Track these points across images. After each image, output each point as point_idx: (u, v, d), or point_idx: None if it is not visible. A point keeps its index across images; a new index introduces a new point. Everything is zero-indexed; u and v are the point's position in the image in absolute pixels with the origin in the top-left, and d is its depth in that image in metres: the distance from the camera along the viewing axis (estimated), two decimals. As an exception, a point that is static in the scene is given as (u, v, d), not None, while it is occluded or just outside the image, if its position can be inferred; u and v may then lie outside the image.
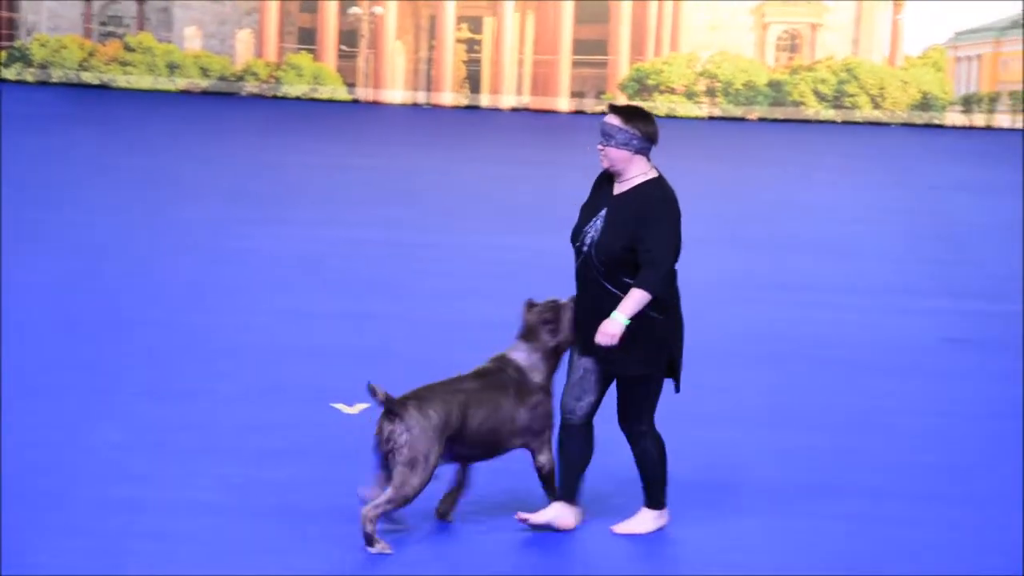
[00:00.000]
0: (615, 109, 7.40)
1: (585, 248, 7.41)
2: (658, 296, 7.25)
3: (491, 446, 7.39)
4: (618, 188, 7.43)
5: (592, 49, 21.51)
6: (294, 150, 18.02)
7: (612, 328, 7.23)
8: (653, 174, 7.38)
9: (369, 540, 7.02)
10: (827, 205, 16.53)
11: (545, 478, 7.44)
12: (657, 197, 7.34)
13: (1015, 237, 14.91)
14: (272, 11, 21.19)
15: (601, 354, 7.33)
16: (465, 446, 7.29)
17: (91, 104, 20.48)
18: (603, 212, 7.40)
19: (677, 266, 7.30)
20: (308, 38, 21.39)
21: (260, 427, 8.51)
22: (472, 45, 21.55)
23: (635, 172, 7.39)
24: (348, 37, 21.37)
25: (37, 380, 9.12)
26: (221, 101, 21.05)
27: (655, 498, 7.45)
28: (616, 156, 7.36)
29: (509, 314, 11.78)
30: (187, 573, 6.69)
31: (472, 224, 14.71)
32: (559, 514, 7.41)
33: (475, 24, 21.50)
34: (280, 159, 17.36)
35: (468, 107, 21.52)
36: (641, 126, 7.34)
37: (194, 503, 7.37)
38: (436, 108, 21.48)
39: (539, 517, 7.39)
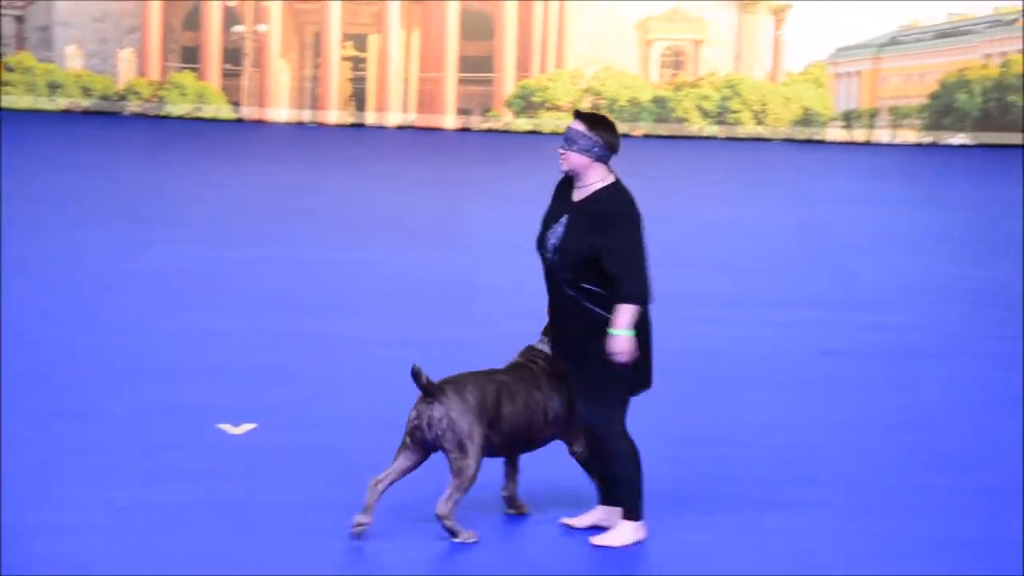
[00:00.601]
0: (580, 115, 7.49)
1: (549, 255, 7.50)
2: (641, 303, 7.34)
3: (526, 438, 7.54)
4: (577, 195, 7.51)
5: (478, 66, 21.58)
6: (181, 170, 17.91)
7: (617, 345, 7.34)
8: (611, 179, 7.46)
9: (453, 533, 7.27)
10: (709, 220, 16.67)
11: (585, 464, 7.61)
12: (616, 204, 7.41)
13: (893, 250, 15.13)
14: (154, 29, 21.10)
15: (571, 358, 7.43)
16: (501, 435, 7.44)
17: (-30, 124, 20.26)
18: (564, 219, 7.47)
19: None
20: (191, 56, 21.31)
21: (152, 448, 8.44)
22: (357, 63, 21.52)
23: (594, 178, 7.47)
24: (232, 55, 21.33)
25: (-79, 404, 9.00)
26: (104, 120, 20.88)
27: (631, 508, 7.47)
28: (576, 161, 7.44)
29: (406, 330, 11.87)
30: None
31: (364, 241, 14.71)
32: (604, 516, 7.54)
33: (360, 42, 21.50)
34: (167, 179, 17.24)
35: (354, 125, 21.49)
36: (604, 135, 7.42)
37: (80, 527, 7.29)
38: (322, 126, 21.44)
39: (583, 521, 7.57)
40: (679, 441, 9.04)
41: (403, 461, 7.37)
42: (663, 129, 21.57)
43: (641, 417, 9.20)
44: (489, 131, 21.62)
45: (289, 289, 12.64)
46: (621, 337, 7.34)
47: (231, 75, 21.29)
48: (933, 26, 21.71)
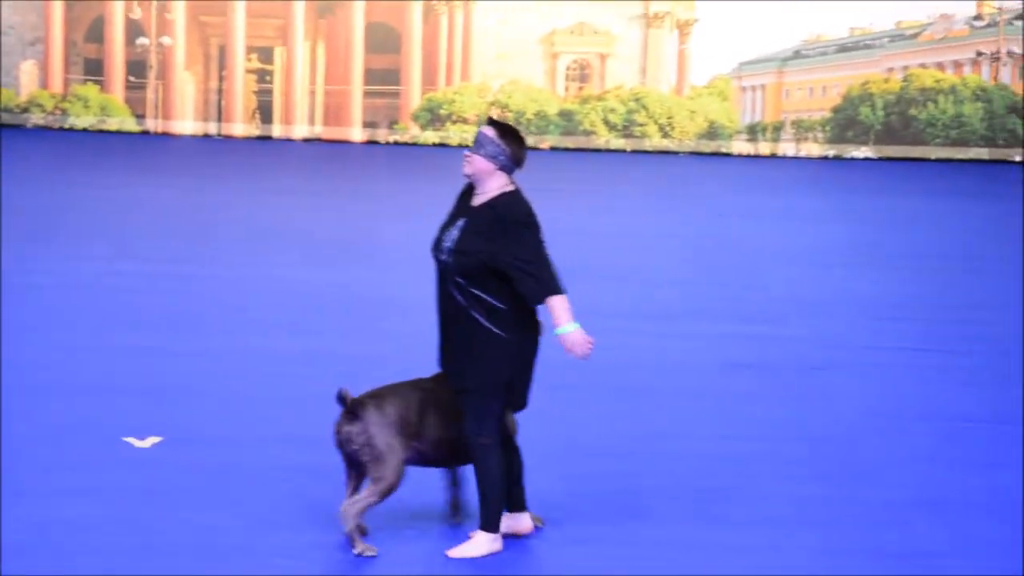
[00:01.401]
0: (493, 123, 7.53)
1: (443, 257, 7.49)
2: (561, 290, 7.35)
3: (454, 449, 7.48)
4: (477, 200, 7.52)
5: (384, 79, 21.60)
6: (83, 183, 17.75)
7: (568, 343, 7.39)
8: (511, 188, 7.49)
9: (351, 541, 7.16)
10: (616, 232, 16.72)
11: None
12: (514, 210, 7.46)
13: (798, 263, 15.23)
14: (57, 42, 20.98)
15: (452, 368, 7.46)
16: (428, 444, 7.41)
17: None
18: (461, 222, 7.48)
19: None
20: (95, 69, 21.20)
21: (54, 467, 8.36)
22: (263, 75, 21.49)
23: (494, 186, 7.50)
24: (136, 68, 21.25)
25: None
26: (6, 133, 20.64)
27: (489, 520, 7.45)
28: (481, 165, 7.47)
29: (313, 346, 11.80)
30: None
31: (268, 257, 14.61)
32: (510, 524, 7.60)
33: (265, 54, 21.46)
34: (69, 192, 17.08)
35: (260, 137, 21.45)
36: (512, 145, 7.47)
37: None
38: (228, 139, 21.37)
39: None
40: (580, 453, 9.06)
41: (353, 479, 7.38)
42: (570, 142, 21.68)
43: (542, 429, 9.24)
44: (396, 144, 21.64)
45: (193, 305, 12.54)
46: (569, 334, 7.38)
47: (135, 87, 21.22)
48: (836, 40, 21.91)
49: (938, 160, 21.97)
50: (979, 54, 21.81)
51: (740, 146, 21.89)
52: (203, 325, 11.92)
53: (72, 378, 10.03)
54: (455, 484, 7.76)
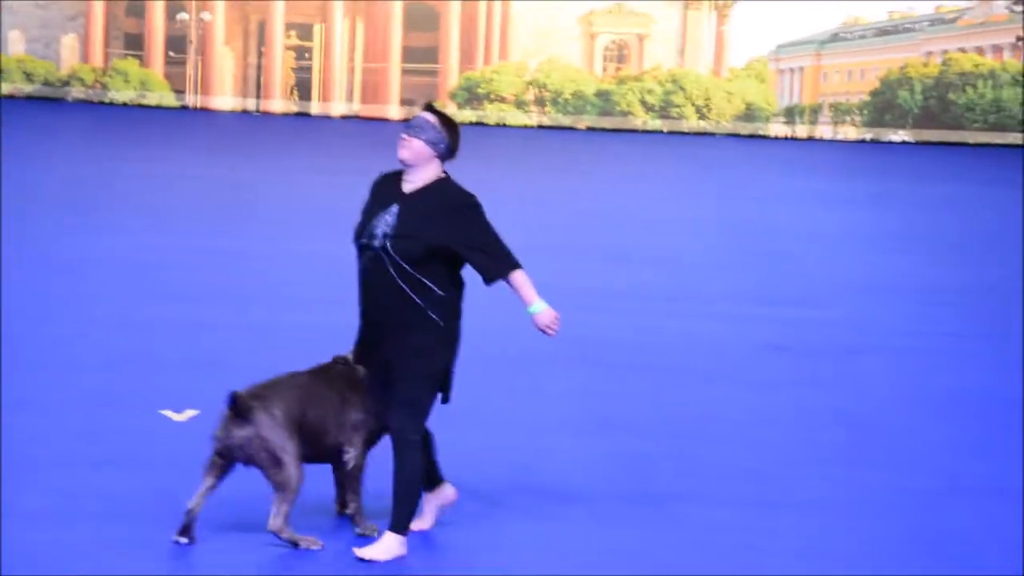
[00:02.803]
0: (433, 110, 7.43)
1: (377, 243, 7.35)
2: (519, 265, 7.25)
3: (321, 443, 7.36)
4: (408, 187, 7.40)
5: (422, 57, 21.66)
6: (124, 157, 17.82)
7: (542, 320, 7.31)
8: (442, 175, 7.39)
9: (294, 543, 7.12)
10: (652, 215, 16.74)
11: (350, 474, 7.37)
12: (458, 194, 7.39)
13: (834, 245, 15.25)
14: (98, 16, 21.05)
15: (375, 358, 7.30)
16: (305, 440, 7.29)
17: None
18: (394, 208, 7.35)
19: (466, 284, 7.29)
20: (135, 43, 21.28)
21: (93, 436, 8.43)
22: (301, 52, 21.55)
23: (429, 173, 7.39)
24: (176, 43, 21.32)
25: None
26: (47, 106, 20.75)
27: (402, 522, 7.33)
28: (420, 151, 7.35)
29: (343, 319, 11.85)
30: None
31: (306, 233, 14.69)
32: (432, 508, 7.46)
33: (304, 31, 21.50)
34: (110, 166, 17.16)
35: (299, 114, 21.48)
36: (452, 135, 7.37)
37: (34, 512, 7.28)
38: (266, 115, 21.39)
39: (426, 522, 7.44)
40: (615, 431, 9.11)
41: (211, 480, 7.21)
42: (607, 122, 21.65)
43: (578, 407, 9.29)
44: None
45: (233, 278, 12.64)
46: (541, 313, 7.32)
47: (174, 63, 21.28)
48: (875, 23, 21.88)
49: (976, 145, 21.94)
50: (1019, 39, 21.74)
51: (777, 128, 21.88)
52: (243, 298, 12.02)
53: (110, 350, 10.12)
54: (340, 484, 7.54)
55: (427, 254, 7.30)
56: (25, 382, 9.42)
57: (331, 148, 19.87)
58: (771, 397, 10.12)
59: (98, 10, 20.87)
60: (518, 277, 7.32)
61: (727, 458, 8.78)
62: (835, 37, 21.77)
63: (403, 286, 7.32)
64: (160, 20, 21.09)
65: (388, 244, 7.31)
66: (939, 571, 7.17)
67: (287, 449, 7.18)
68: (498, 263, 7.34)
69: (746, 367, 10.86)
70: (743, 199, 17.80)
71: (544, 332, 7.36)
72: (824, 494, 8.26)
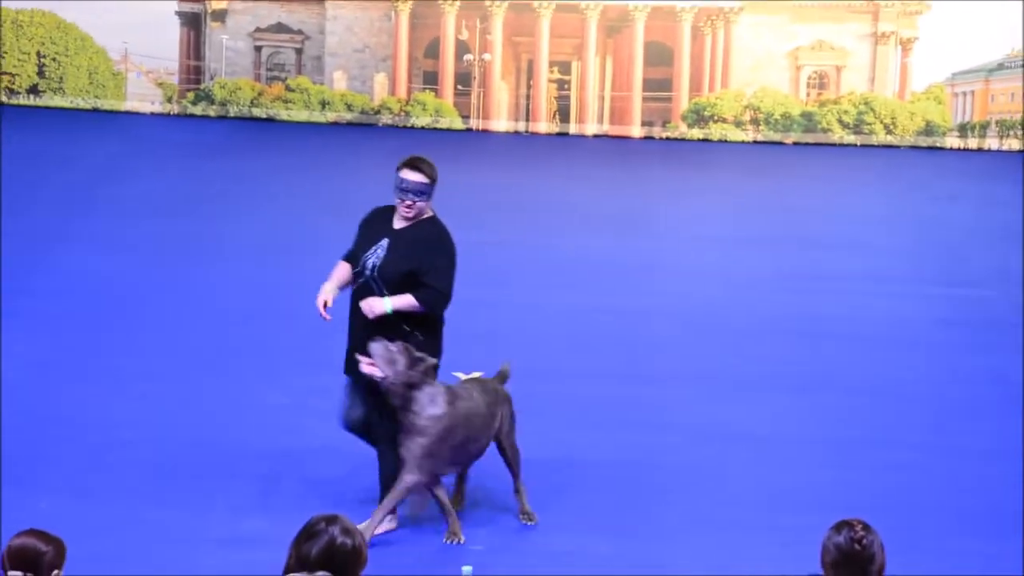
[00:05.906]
0: (413, 166, 7.45)
1: (367, 272, 7.47)
2: (431, 310, 7.35)
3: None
4: (400, 224, 7.55)
5: (658, 86, 22.53)
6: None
7: (378, 306, 7.32)
8: (431, 214, 7.59)
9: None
10: (847, 211, 17.44)
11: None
12: (438, 233, 7.54)
13: (1002, 240, 16.16)
14: (403, 58, 22.33)
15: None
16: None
17: (258, 134, 21.41)
18: (384, 242, 7.51)
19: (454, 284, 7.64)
20: (431, 79, 22.32)
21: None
22: (562, 84, 22.63)
23: (422, 214, 7.66)
24: (463, 78, 22.39)
25: None
26: (362, 130, 21.52)
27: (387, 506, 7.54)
28: (422, 207, 7.56)
29: (606, 302, 13.08)
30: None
31: (568, 230, 15.78)
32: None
33: (564, 67, 22.57)
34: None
35: (559, 134, 22.02)
36: (433, 175, 7.54)
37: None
38: (533, 135, 22.39)
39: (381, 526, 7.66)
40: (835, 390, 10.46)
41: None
42: (809, 138, 22.38)
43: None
44: (667, 139, 21.89)
45: (508, 269, 13.88)
46: (383, 302, 7.28)
47: (462, 94, 22.37)
48: (1032, 54, 22.17)
49: None
50: None
51: (951, 141, 22.32)
52: (510, 284, 13.20)
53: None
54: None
55: (405, 281, 7.49)
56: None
57: (585, 161, 20.43)
58: (953, 364, 11.32)
59: (403, 53, 21.63)
60: (410, 298, 7.14)
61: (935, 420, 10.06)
62: (1001, 66, 22.02)
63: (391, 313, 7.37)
64: (451, 60, 21.82)
65: (376, 275, 7.53)
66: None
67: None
68: (428, 295, 7.24)
69: (925, 337, 12.10)
70: (922, 200, 18.29)
71: (364, 306, 7.27)
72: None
